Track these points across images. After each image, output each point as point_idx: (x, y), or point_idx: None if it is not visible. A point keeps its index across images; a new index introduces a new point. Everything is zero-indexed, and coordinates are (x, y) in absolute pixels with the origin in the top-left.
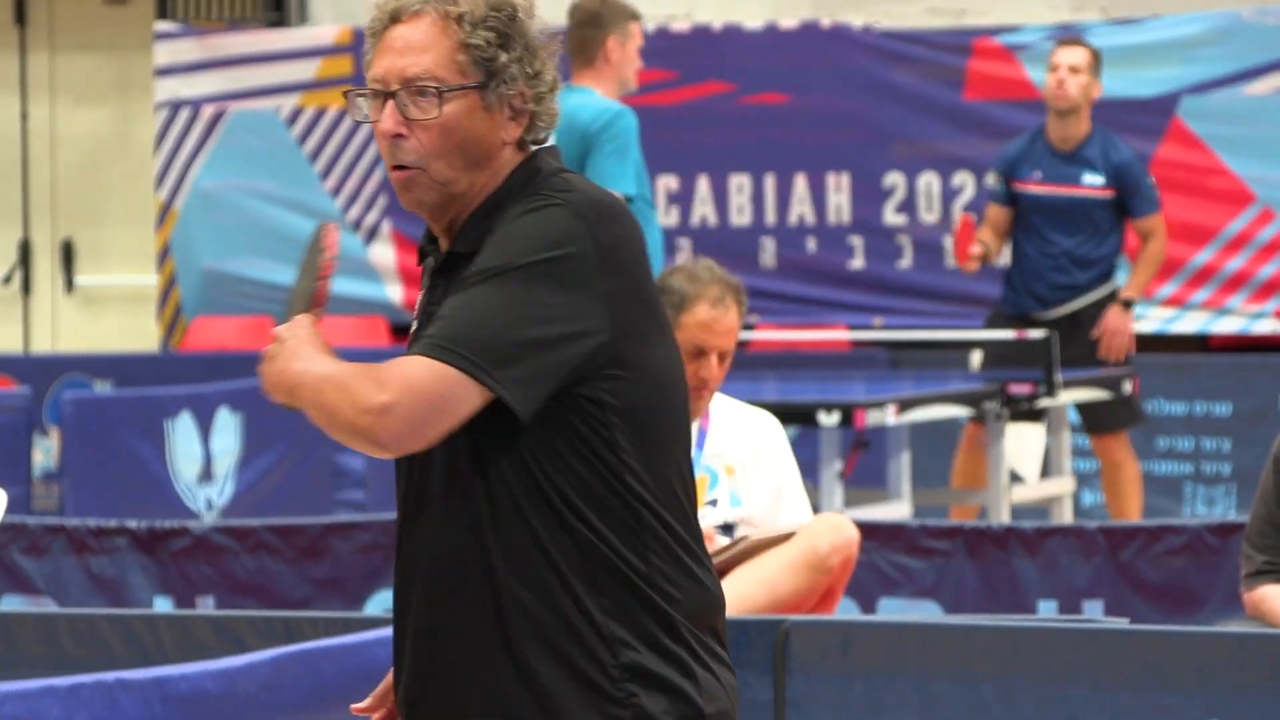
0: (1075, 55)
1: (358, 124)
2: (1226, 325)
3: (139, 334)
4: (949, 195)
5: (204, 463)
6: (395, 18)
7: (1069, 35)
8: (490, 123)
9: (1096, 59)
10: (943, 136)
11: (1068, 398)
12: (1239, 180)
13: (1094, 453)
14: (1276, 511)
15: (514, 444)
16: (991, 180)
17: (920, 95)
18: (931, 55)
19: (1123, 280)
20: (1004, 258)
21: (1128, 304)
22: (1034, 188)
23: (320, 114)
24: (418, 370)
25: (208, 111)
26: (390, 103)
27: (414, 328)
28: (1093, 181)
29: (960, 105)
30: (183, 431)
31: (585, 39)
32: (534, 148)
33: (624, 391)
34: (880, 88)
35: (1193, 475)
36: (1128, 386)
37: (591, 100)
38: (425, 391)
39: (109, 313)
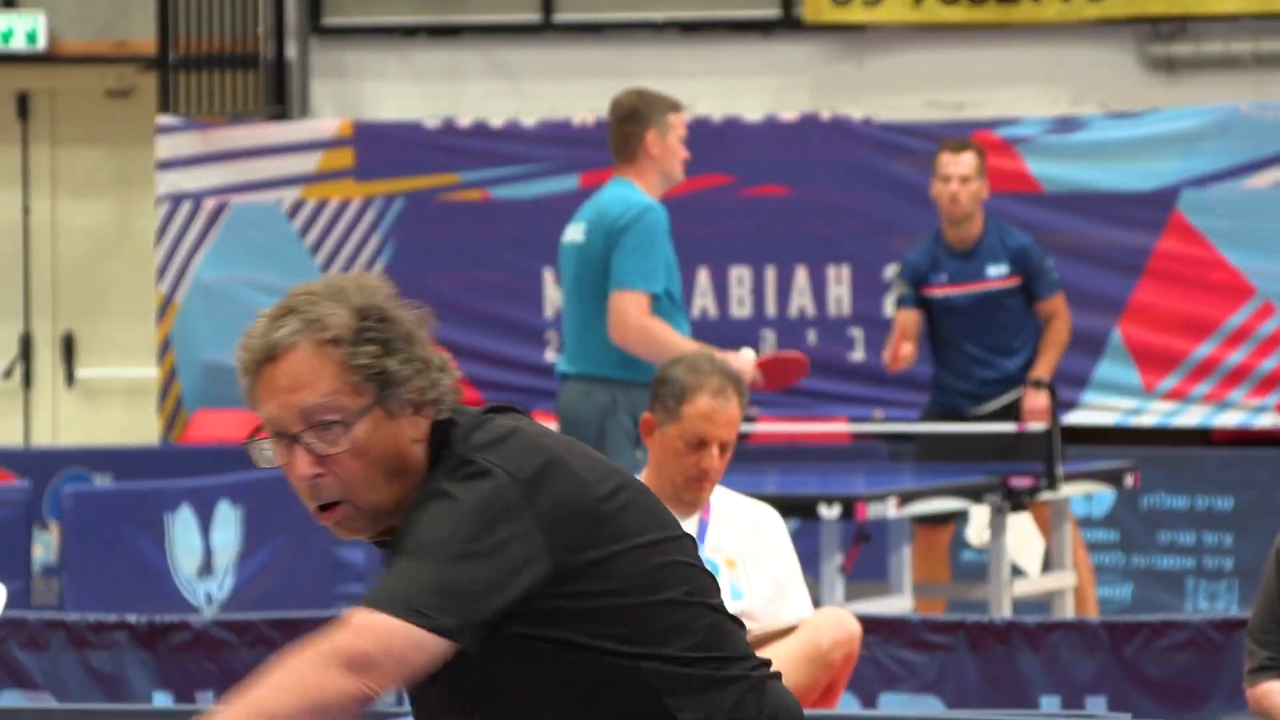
0: (964, 165)
1: (359, 215)
2: (1228, 419)
3: (140, 427)
4: None
5: (204, 556)
6: (270, 356)
7: (952, 138)
8: (397, 429)
9: (982, 158)
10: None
11: (1069, 491)
12: (1239, 274)
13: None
14: (1279, 606)
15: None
16: (899, 288)
17: (920, 187)
18: (931, 147)
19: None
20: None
21: (1038, 384)
22: (943, 290)
23: (321, 206)
24: (366, 620)
25: (209, 204)
26: (298, 447)
27: None
28: (997, 272)
29: None
30: (183, 525)
31: (625, 135)
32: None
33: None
34: (880, 180)
35: (1195, 570)
36: (1129, 480)
37: (624, 194)
38: None
39: (110, 406)
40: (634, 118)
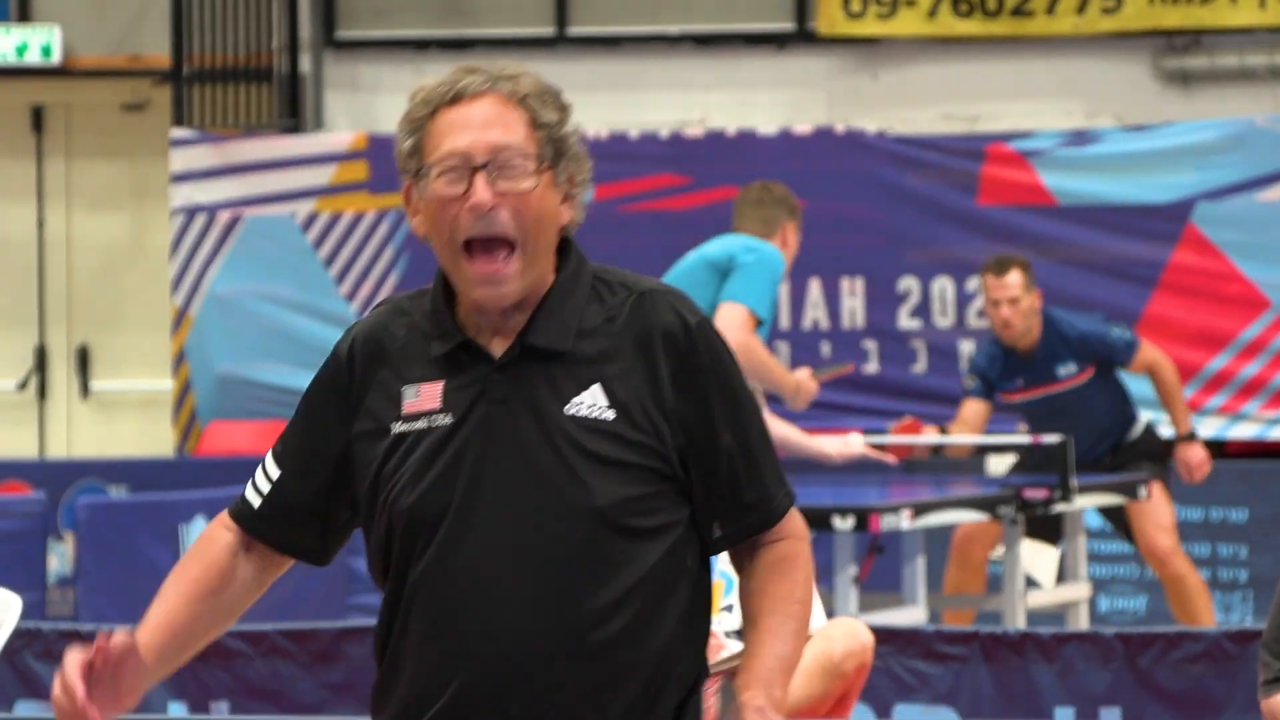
0: (1010, 287)
1: (373, 227)
2: (1242, 431)
3: (154, 439)
4: (963, 300)
5: None
6: (457, 98)
7: (994, 259)
8: (556, 203)
9: (1027, 271)
10: (956, 241)
11: (1083, 503)
12: (1254, 286)
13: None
14: None
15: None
16: (969, 382)
17: (934, 200)
18: (945, 160)
19: (1147, 415)
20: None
21: (1191, 436)
22: (1022, 396)
23: (335, 219)
24: (799, 521)
25: (223, 217)
26: (480, 174)
27: (442, 421)
28: (1066, 372)
29: (974, 210)
30: (197, 536)
31: (768, 216)
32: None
33: None
34: (894, 193)
35: (1210, 581)
36: (1143, 491)
37: (746, 239)
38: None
39: (124, 418)
40: (785, 204)
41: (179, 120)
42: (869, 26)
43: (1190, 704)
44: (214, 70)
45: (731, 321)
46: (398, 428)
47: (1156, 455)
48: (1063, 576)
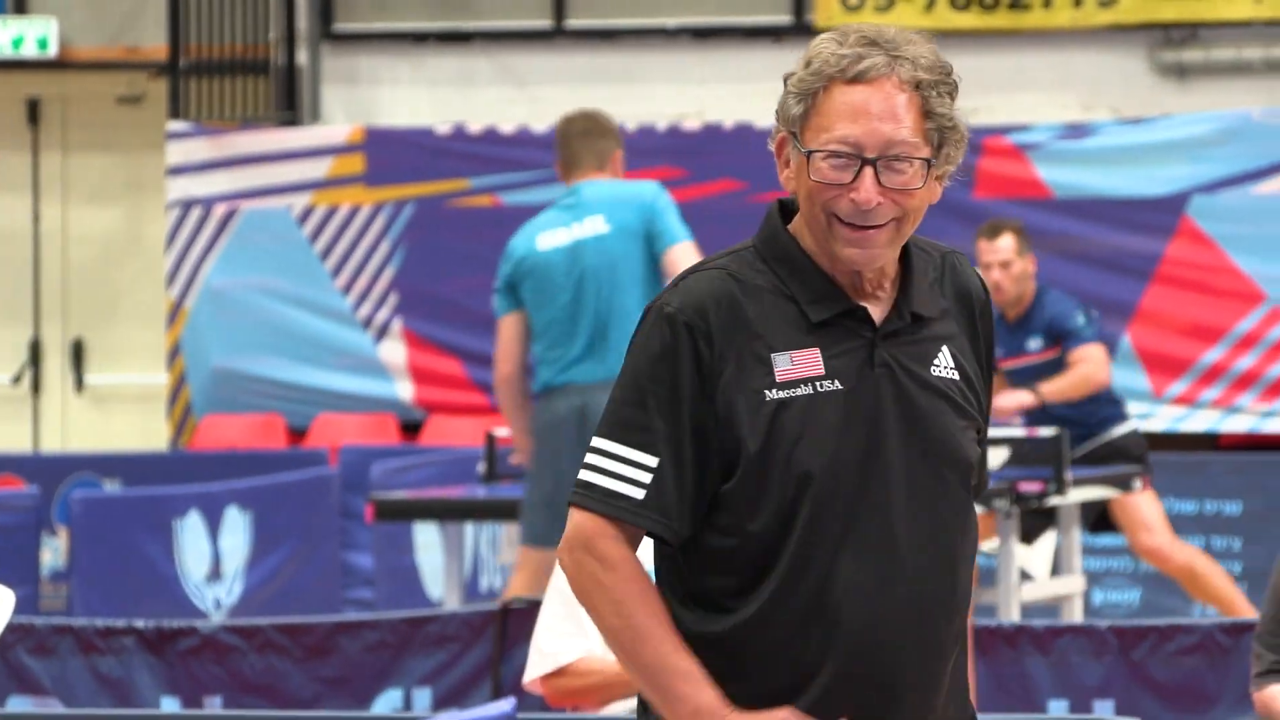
0: (1001, 250)
1: (370, 220)
2: (1236, 424)
3: (149, 433)
4: None
5: (212, 562)
6: (856, 78)
7: (987, 224)
8: (932, 186)
9: (1020, 236)
10: (953, 235)
11: (1078, 496)
12: (1248, 279)
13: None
14: None
15: None
16: None
17: None
18: None
19: (1131, 422)
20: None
21: (1033, 393)
22: (1001, 365)
23: (332, 212)
24: None
25: (219, 210)
26: (869, 170)
27: (830, 387)
28: (1035, 346)
29: (971, 203)
30: (191, 530)
31: (602, 150)
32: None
33: None
34: None
35: None
36: (1138, 484)
37: (620, 185)
38: None
39: (119, 412)
40: (612, 134)
41: (175, 113)
42: (866, 19)
43: (1184, 696)
44: (210, 63)
45: (694, 257)
46: (776, 394)
47: (1135, 457)
48: (1057, 570)
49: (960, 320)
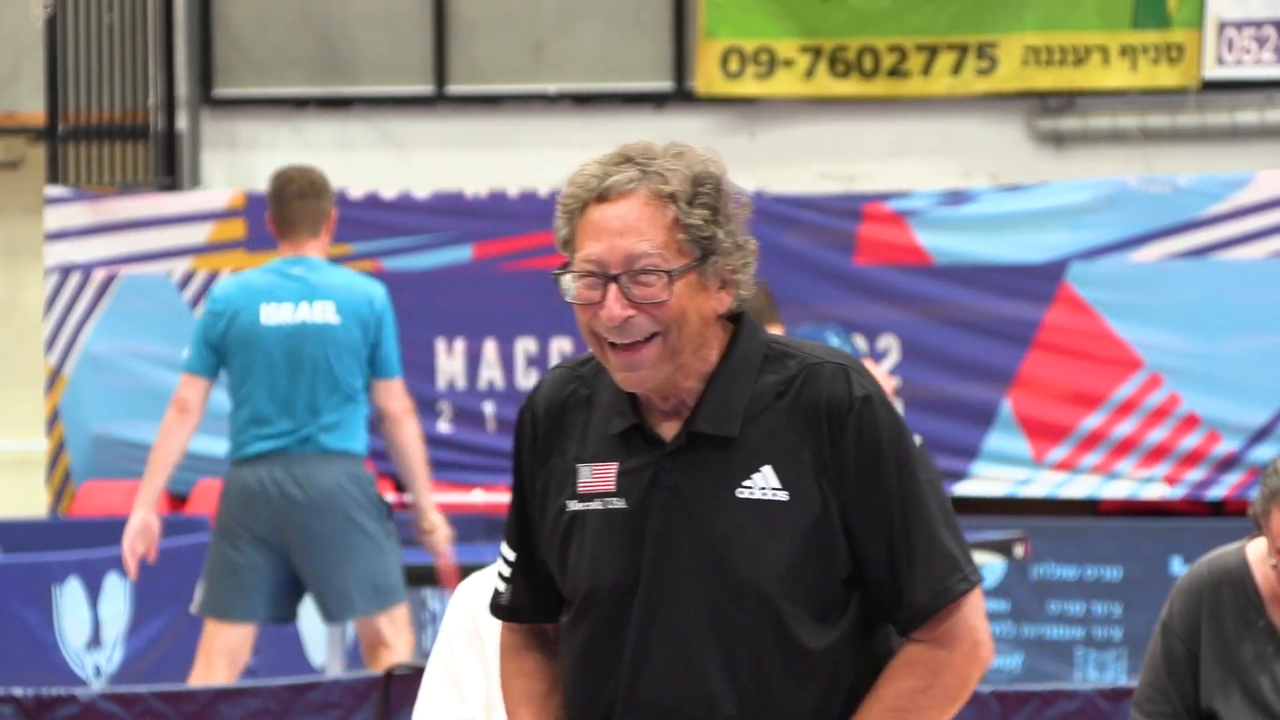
0: None
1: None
2: (1116, 490)
3: (28, 499)
4: None
5: (93, 629)
6: (603, 196)
7: None
8: (706, 298)
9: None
10: (834, 300)
11: None
12: (1127, 346)
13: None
14: (1165, 678)
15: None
16: None
17: (811, 259)
18: (822, 220)
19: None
20: None
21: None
22: None
23: (213, 277)
24: (968, 623)
25: (98, 276)
26: (613, 287)
27: (616, 505)
28: None
29: (851, 269)
30: (71, 597)
31: (319, 212)
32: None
33: None
34: (771, 251)
35: (1084, 640)
36: (1019, 550)
37: (355, 277)
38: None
39: None
40: (325, 193)
41: (54, 178)
42: (747, 86)
43: None
44: (89, 128)
45: (404, 396)
46: (574, 505)
47: None
48: None
49: (802, 435)
